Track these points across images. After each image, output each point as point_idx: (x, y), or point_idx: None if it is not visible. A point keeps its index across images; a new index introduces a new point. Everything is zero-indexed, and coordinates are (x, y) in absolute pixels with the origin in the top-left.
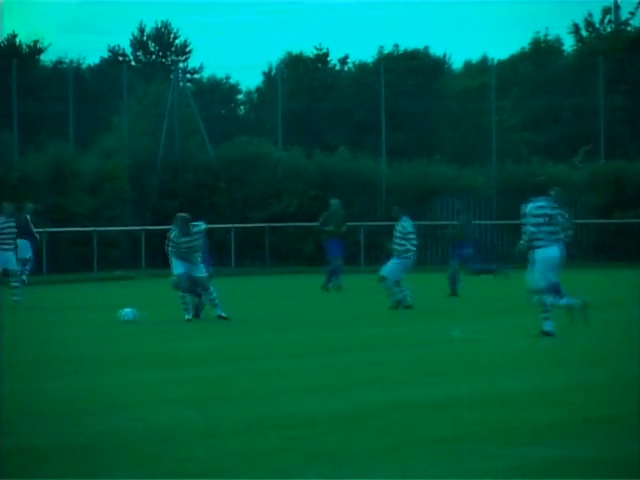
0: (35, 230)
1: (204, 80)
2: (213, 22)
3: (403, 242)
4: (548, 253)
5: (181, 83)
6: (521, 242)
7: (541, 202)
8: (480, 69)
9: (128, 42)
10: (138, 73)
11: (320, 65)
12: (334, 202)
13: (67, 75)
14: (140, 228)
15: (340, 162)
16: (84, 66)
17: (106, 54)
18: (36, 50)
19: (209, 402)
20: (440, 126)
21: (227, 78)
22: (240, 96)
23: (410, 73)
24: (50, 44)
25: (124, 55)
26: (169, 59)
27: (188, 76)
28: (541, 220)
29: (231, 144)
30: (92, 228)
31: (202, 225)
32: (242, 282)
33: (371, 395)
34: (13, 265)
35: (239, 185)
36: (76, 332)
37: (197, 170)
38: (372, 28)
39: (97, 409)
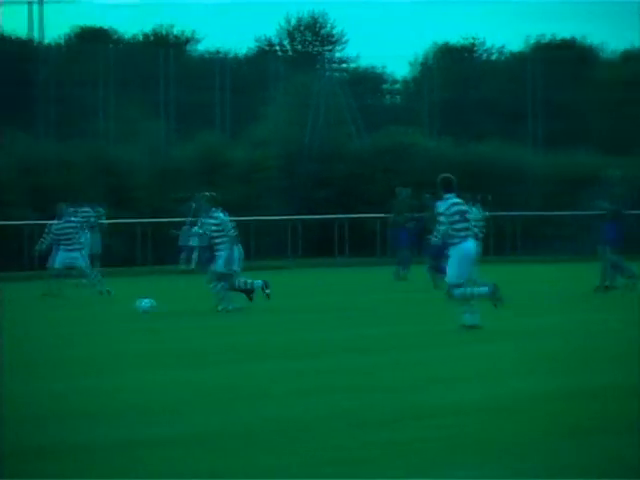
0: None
1: (359, 69)
2: (364, 13)
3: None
4: (464, 248)
5: (329, 73)
6: (434, 239)
7: (453, 199)
8: (635, 57)
9: (278, 32)
10: (287, 63)
11: (468, 54)
12: (402, 191)
13: (218, 65)
14: (296, 217)
15: (490, 151)
16: (236, 56)
17: (256, 45)
18: (190, 40)
19: (358, 392)
20: (592, 115)
21: (377, 67)
22: (392, 85)
23: (562, 62)
24: (204, 35)
25: (272, 45)
26: (319, 49)
27: (339, 65)
28: (456, 217)
29: (382, 133)
30: (247, 217)
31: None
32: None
33: (523, 384)
34: (80, 263)
35: (390, 174)
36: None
37: (348, 159)
38: (522, 17)
39: (248, 396)
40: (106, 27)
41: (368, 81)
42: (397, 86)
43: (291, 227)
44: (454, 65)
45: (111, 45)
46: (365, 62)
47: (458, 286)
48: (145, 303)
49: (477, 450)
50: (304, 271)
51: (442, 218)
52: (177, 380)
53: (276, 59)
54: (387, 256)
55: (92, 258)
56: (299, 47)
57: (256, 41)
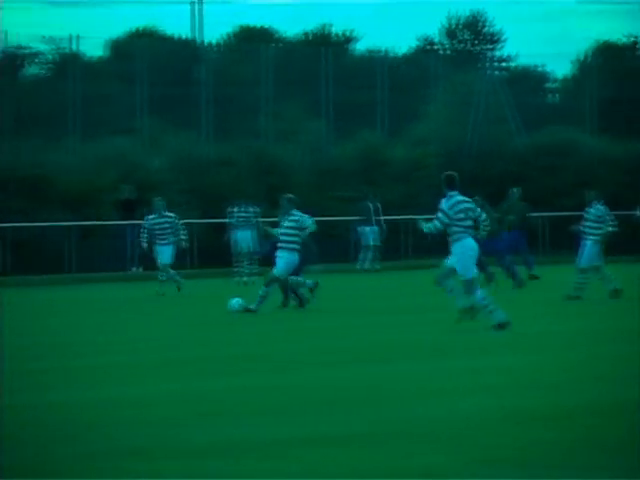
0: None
1: (515, 68)
2: (524, 11)
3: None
4: (466, 244)
5: (491, 72)
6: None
7: (457, 197)
8: None
9: (438, 31)
10: (448, 62)
11: (630, 52)
12: (515, 190)
13: (379, 64)
14: None
15: None
16: (396, 55)
17: (418, 43)
18: (349, 39)
19: (507, 390)
20: None
21: (538, 66)
22: (552, 84)
23: None
24: (363, 34)
25: (434, 44)
26: (480, 48)
27: (499, 64)
28: (461, 215)
29: (542, 132)
30: (403, 217)
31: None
32: (554, 271)
33: None
34: (166, 259)
35: (550, 173)
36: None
37: (506, 158)
38: None
39: (400, 396)
40: (266, 26)
41: (528, 80)
42: (556, 85)
43: None
44: (615, 63)
45: (272, 44)
46: (524, 60)
47: (473, 282)
48: (235, 302)
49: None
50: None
51: (440, 214)
52: (323, 378)
53: (437, 58)
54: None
55: (251, 256)
56: (460, 46)
57: (417, 40)
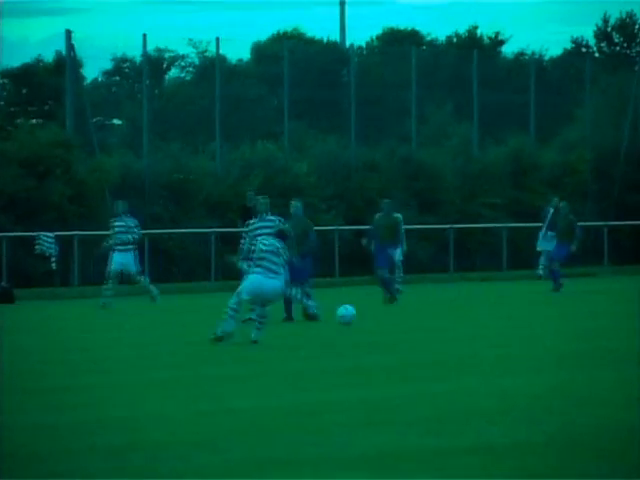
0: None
1: None
2: None
3: None
4: None
5: None
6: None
7: None
8: None
9: (592, 33)
10: (601, 64)
11: None
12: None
13: (529, 66)
14: (603, 224)
15: None
16: (546, 57)
17: (569, 45)
18: (498, 41)
19: None
20: None
21: None
22: None
23: None
24: (512, 35)
25: (587, 46)
26: (634, 50)
27: None
28: None
29: None
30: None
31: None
32: None
33: None
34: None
35: None
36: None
37: None
38: None
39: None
40: (413, 28)
41: None
42: None
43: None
44: None
45: (420, 47)
46: None
47: None
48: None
49: None
50: (614, 278)
51: None
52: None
53: (590, 60)
54: None
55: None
56: (614, 48)
57: (572, 42)
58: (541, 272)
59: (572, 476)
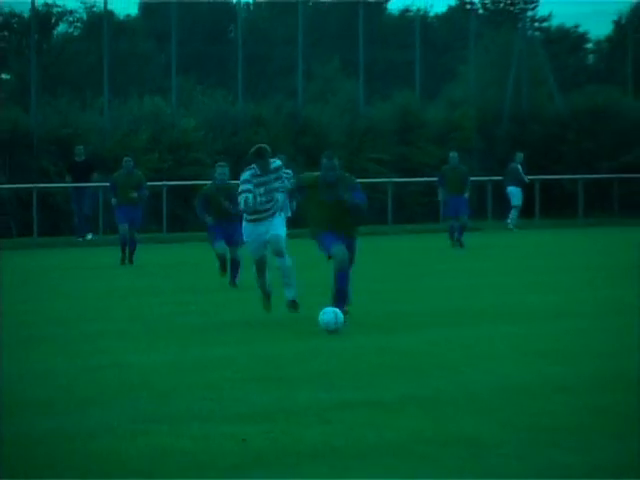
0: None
1: (552, 29)
2: None
3: None
4: None
5: (529, 32)
6: None
7: None
8: None
9: None
10: (485, 22)
11: None
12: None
13: (414, 23)
14: (487, 179)
15: None
16: (431, 14)
17: (454, 2)
18: None
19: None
20: None
21: (576, 27)
22: (589, 45)
23: None
24: None
25: (472, 3)
26: (517, 7)
27: (536, 25)
28: None
29: (580, 94)
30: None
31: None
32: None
33: None
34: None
35: (588, 135)
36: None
37: (544, 121)
38: None
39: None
40: None
41: (566, 40)
42: (594, 46)
43: (488, 188)
44: None
45: (310, 3)
46: (562, 21)
47: None
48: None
49: None
50: (501, 232)
51: None
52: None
53: (474, 17)
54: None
55: None
56: (497, 5)
57: (457, 1)
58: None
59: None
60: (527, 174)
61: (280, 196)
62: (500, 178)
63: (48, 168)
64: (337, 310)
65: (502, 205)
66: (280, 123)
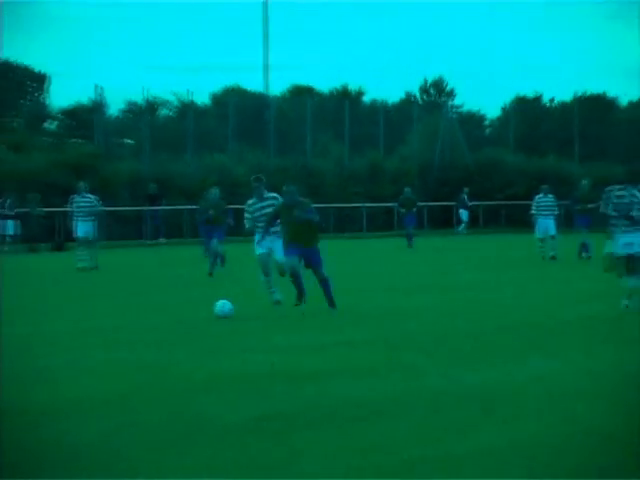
0: None
1: (464, 112)
2: (472, 73)
3: None
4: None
5: (450, 115)
6: None
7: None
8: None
9: (418, 88)
10: (423, 108)
11: (535, 103)
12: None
13: (379, 110)
14: (424, 204)
15: (549, 164)
16: (389, 103)
17: (404, 96)
18: (360, 93)
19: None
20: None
21: (478, 111)
22: (487, 122)
23: (594, 109)
24: (367, 91)
25: (414, 97)
26: (442, 99)
27: (454, 110)
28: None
29: (481, 153)
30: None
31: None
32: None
33: None
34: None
35: (486, 178)
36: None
37: (459, 169)
38: (573, 76)
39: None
40: (308, 85)
41: (472, 120)
42: (487, 122)
43: (425, 210)
44: (527, 110)
45: (314, 97)
46: (469, 107)
47: None
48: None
49: None
50: (435, 238)
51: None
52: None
53: (417, 106)
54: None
55: None
56: (431, 98)
57: (405, 94)
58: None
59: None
60: (442, 202)
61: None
62: (433, 204)
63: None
64: (225, 302)
65: (434, 220)
66: (296, 170)
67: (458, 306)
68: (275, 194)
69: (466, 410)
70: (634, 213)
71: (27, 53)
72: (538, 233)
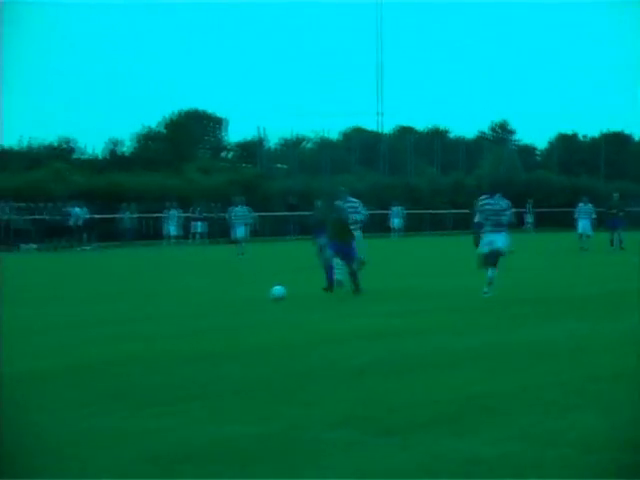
0: None
1: (521, 144)
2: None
3: None
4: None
5: (511, 147)
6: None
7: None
8: None
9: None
10: (492, 142)
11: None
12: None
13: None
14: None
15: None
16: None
17: (477, 133)
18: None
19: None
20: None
21: (533, 144)
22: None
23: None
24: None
25: (484, 133)
26: (503, 135)
27: (514, 144)
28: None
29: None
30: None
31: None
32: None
33: None
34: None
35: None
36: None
37: (516, 183)
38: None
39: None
40: (410, 125)
41: (526, 150)
42: (537, 152)
43: None
44: (567, 143)
45: (415, 135)
46: (524, 140)
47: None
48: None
49: None
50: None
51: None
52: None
53: (488, 141)
54: None
55: None
56: (498, 135)
57: (479, 132)
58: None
59: None
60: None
61: (356, 216)
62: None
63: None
64: (279, 287)
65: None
66: (401, 186)
67: (523, 282)
68: (355, 199)
69: (520, 356)
70: (503, 219)
71: (208, 102)
72: (579, 231)
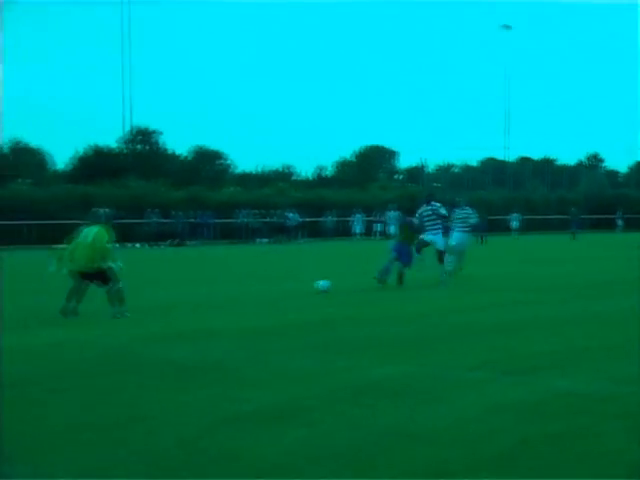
0: None
1: (607, 169)
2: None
3: None
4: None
5: (600, 171)
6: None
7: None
8: None
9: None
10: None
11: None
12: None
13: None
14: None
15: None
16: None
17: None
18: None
19: None
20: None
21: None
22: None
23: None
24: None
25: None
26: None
27: (603, 169)
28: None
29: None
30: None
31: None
32: None
33: None
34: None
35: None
36: None
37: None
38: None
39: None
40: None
41: (612, 173)
42: (620, 174)
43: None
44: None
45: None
46: (610, 167)
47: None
48: (324, 284)
49: None
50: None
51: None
52: None
53: (584, 168)
54: None
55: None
56: (590, 162)
57: (578, 161)
58: None
59: None
60: (598, 215)
61: (470, 221)
62: (593, 216)
63: None
64: (324, 281)
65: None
66: (520, 201)
67: (607, 268)
68: (470, 208)
69: (558, 327)
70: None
71: (385, 138)
72: None
